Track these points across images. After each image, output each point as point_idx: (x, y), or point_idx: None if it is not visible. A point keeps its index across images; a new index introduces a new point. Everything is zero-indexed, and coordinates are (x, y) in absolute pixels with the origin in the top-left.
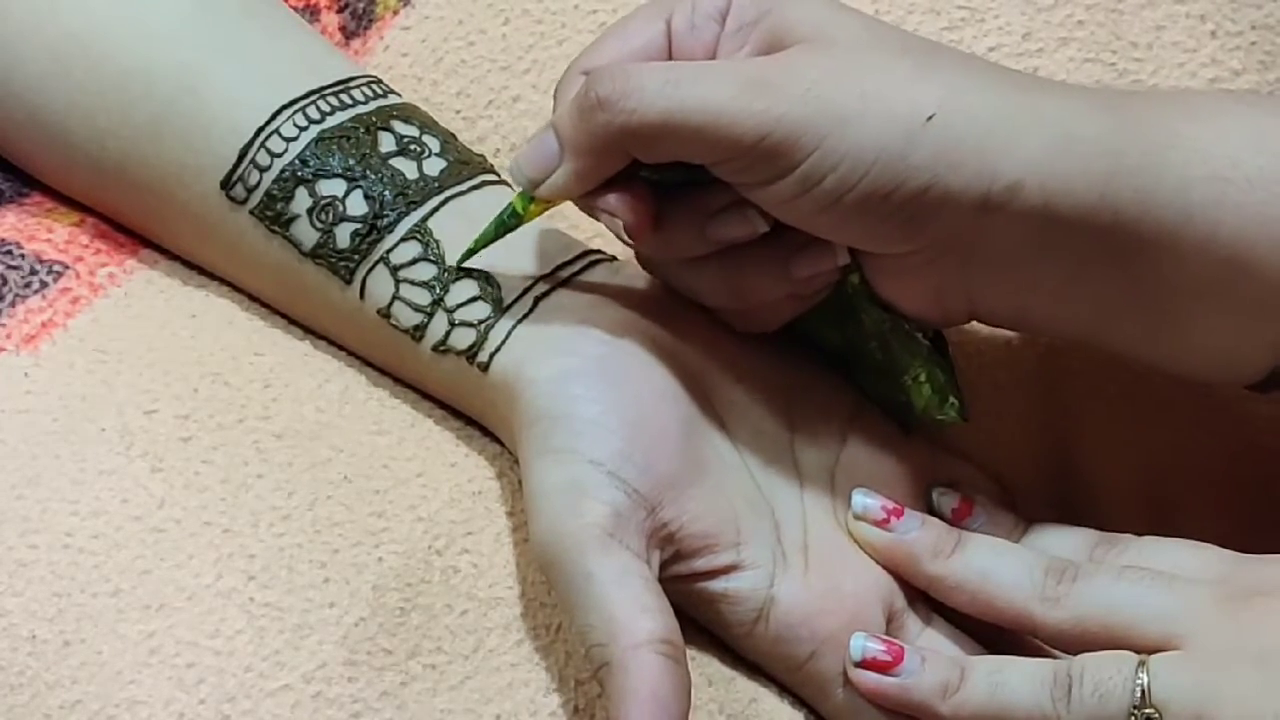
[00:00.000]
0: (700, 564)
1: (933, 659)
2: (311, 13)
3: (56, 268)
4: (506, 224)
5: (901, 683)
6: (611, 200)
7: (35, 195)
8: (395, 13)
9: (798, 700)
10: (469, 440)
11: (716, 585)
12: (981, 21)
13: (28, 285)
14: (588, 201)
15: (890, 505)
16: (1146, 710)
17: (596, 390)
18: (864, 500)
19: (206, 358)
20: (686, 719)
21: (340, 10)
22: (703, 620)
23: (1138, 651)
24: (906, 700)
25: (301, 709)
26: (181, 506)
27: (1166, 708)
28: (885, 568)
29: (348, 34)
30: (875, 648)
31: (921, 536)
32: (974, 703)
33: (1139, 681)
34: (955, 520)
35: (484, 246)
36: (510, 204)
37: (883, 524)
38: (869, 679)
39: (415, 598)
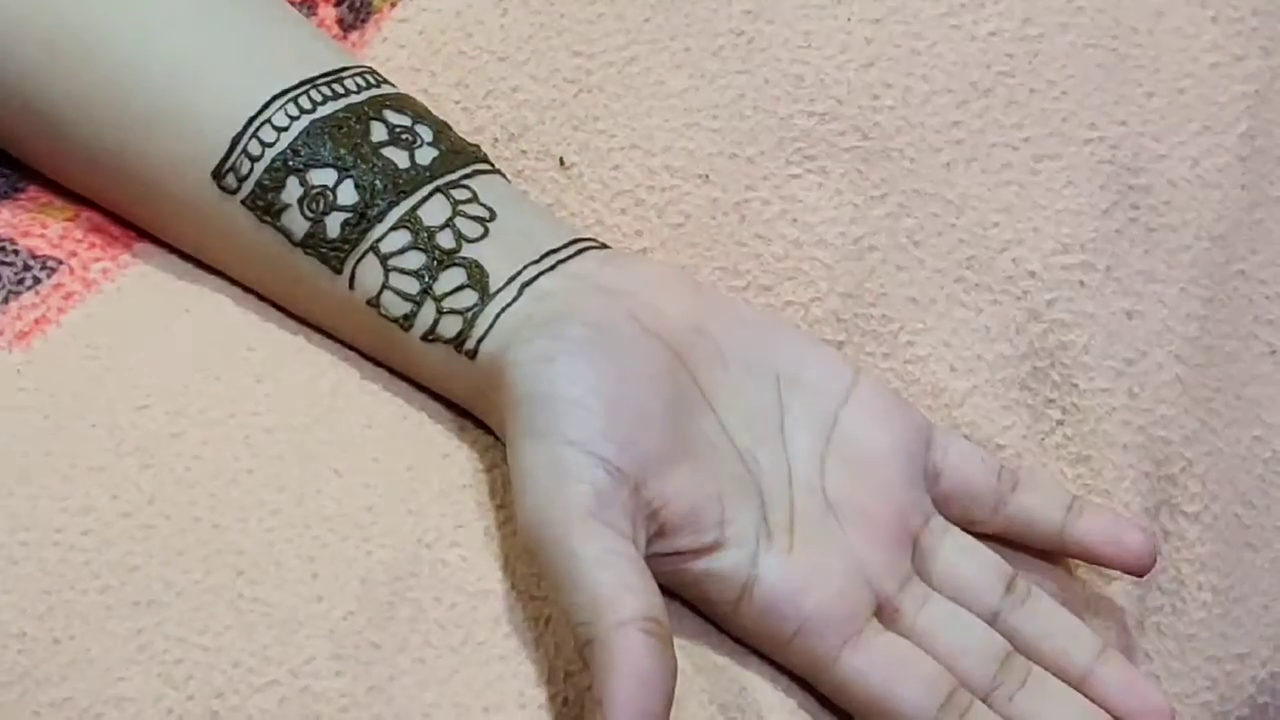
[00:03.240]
0: (683, 542)
1: None
2: (309, 6)
3: (50, 263)
4: None
5: None
6: None
7: (30, 190)
8: (393, 5)
9: (790, 688)
10: (459, 434)
11: (699, 565)
12: (981, 6)
13: (21, 281)
14: None
15: None
16: None
17: (578, 371)
18: None
19: (198, 352)
20: (671, 696)
21: (338, 4)
22: (689, 598)
23: None
24: None
25: (289, 704)
26: (171, 502)
27: None
28: None
29: (345, 27)
30: None
31: None
32: None
33: None
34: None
35: None
36: None
37: None
38: None
39: (404, 591)
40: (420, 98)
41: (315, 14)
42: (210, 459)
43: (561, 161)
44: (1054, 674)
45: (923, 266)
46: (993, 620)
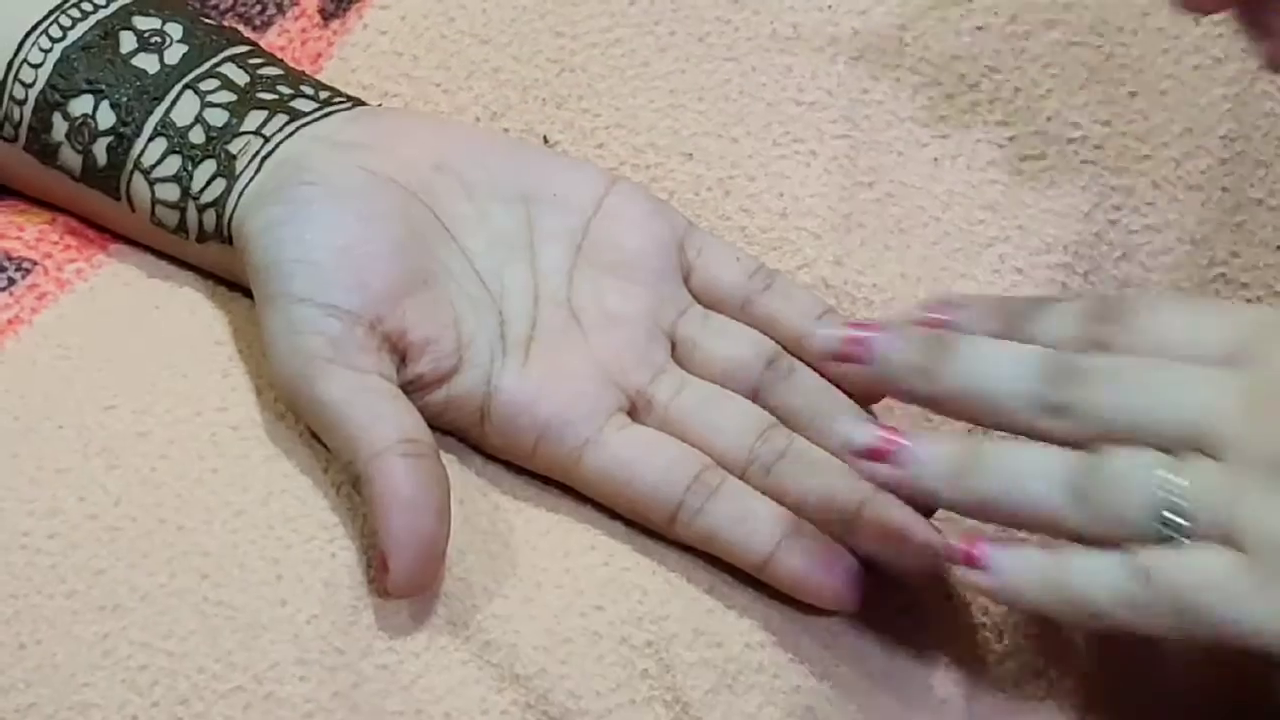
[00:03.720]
0: (426, 368)
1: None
2: None
3: (25, 265)
4: None
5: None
6: None
7: (8, 198)
8: None
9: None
10: None
11: (442, 393)
12: (969, 1)
13: None
14: None
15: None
16: (1174, 518)
17: (297, 231)
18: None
19: (167, 350)
20: (445, 509)
21: None
22: (443, 428)
23: None
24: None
25: (253, 710)
26: (137, 504)
27: (1195, 518)
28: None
29: (326, 15)
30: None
31: (905, 357)
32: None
33: (1167, 487)
34: None
35: None
36: None
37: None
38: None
39: (368, 595)
40: (402, 81)
41: (298, 3)
42: (176, 458)
43: (545, 139)
44: (816, 445)
45: (909, 250)
46: (754, 397)
